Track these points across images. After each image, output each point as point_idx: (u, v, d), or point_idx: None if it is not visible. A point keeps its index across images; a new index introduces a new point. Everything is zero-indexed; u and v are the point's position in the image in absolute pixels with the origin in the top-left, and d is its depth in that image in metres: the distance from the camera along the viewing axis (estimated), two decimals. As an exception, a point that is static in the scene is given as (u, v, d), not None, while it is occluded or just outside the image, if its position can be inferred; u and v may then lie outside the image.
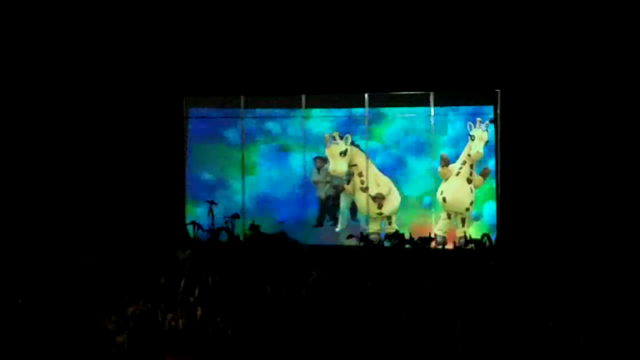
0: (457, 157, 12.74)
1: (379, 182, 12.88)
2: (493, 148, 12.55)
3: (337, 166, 12.80)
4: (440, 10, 11.89)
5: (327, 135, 12.91)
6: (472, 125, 12.57)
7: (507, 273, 8.79)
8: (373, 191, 12.80)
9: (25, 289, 8.44)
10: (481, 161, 12.69)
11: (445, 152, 12.76)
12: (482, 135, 12.54)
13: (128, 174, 12.55)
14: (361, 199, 12.89)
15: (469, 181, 12.62)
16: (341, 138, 12.86)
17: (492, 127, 12.53)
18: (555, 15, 11.48)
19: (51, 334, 7.95)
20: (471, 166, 12.63)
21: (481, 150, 12.53)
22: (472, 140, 12.56)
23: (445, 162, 12.67)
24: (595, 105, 11.44)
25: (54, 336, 7.93)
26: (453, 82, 12.22)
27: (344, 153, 12.80)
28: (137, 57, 12.63)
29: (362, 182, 12.86)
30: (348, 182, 12.98)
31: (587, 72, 11.42)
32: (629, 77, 11.28)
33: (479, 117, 12.60)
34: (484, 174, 12.63)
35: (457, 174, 12.64)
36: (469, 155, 12.60)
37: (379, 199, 12.78)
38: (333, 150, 12.83)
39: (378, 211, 12.81)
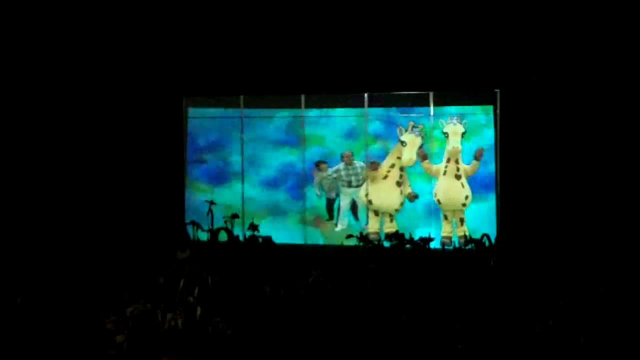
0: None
1: (406, 182, 12.93)
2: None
3: (414, 155, 12.75)
4: (440, 10, 11.89)
5: (411, 123, 12.84)
6: (444, 122, 12.61)
7: (507, 273, 8.79)
8: (407, 189, 12.85)
9: (25, 289, 8.45)
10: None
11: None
12: (455, 130, 12.57)
13: (128, 174, 12.55)
14: (383, 191, 12.89)
15: (458, 177, 12.63)
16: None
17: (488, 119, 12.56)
18: (554, 16, 11.48)
19: (51, 334, 7.95)
20: (456, 161, 12.63)
21: (457, 145, 12.56)
22: (447, 137, 12.60)
23: (423, 157, 12.71)
24: (595, 105, 11.43)
25: (54, 336, 7.94)
26: (453, 82, 12.21)
27: (420, 146, 12.79)
28: (137, 57, 12.63)
29: (400, 177, 12.87)
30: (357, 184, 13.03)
31: (587, 72, 11.42)
32: (629, 77, 11.27)
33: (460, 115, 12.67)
34: (478, 156, 12.59)
35: (444, 172, 12.68)
36: (449, 151, 12.62)
37: (415, 197, 12.82)
38: (415, 140, 12.76)
39: (397, 208, 12.86)
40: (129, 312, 7.74)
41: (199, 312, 7.76)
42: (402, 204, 12.85)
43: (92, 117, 12.63)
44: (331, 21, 12.19)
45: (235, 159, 13.26)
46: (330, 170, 13.06)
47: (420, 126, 12.71)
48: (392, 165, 12.85)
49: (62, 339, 7.92)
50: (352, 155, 13.02)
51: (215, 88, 12.87)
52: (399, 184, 12.89)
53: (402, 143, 12.73)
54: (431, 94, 12.62)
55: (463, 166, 12.62)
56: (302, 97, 12.95)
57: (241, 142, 13.27)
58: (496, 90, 12.22)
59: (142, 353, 7.56)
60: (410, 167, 12.81)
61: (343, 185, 13.06)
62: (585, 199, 11.35)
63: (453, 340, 7.55)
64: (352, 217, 13.17)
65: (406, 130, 12.72)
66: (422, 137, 12.74)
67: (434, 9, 11.90)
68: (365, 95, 12.80)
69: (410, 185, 12.87)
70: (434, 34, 11.94)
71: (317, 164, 13.11)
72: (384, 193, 12.93)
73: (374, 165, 12.89)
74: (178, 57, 12.62)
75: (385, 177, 12.89)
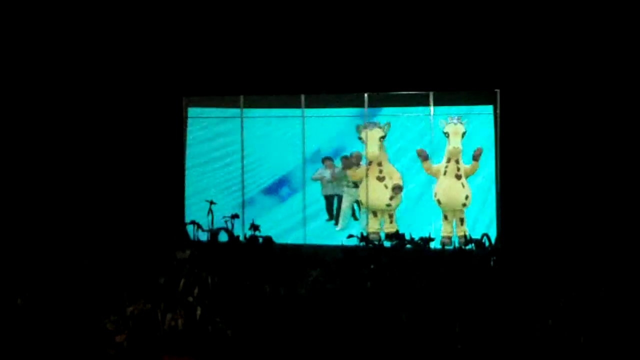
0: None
1: (392, 176, 12.94)
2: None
3: (373, 149, 12.86)
4: (440, 10, 11.88)
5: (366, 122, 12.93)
6: (444, 122, 12.61)
7: (507, 273, 8.79)
8: (389, 183, 12.86)
9: (25, 289, 8.45)
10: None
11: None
12: (456, 130, 12.57)
13: (128, 174, 12.56)
14: (371, 189, 12.90)
15: (458, 177, 12.63)
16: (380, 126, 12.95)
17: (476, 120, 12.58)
18: (554, 15, 11.47)
19: (51, 334, 7.95)
20: (456, 161, 12.64)
21: (458, 145, 12.55)
22: (447, 137, 12.61)
23: (424, 157, 12.72)
24: (596, 105, 11.42)
25: (54, 336, 7.94)
26: (453, 82, 12.21)
27: (382, 138, 12.85)
28: (137, 57, 12.64)
29: (380, 172, 12.90)
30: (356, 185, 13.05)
31: (587, 72, 11.41)
32: (629, 77, 11.27)
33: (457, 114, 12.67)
34: (476, 156, 12.60)
35: (445, 172, 12.68)
36: (449, 151, 12.64)
37: (397, 189, 12.83)
38: (374, 133, 12.86)
39: (387, 202, 12.87)
40: (129, 312, 7.74)
41: (199, 312, 7.76)
42: (391, 198, 12.85)
43: (92, 117, 12.64)
44: (331, 21, 12.19)
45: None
46: (336, 170, 13.09)
47: (377, 122, 12.80)
48: (370, 163, 12.86)
49: (62, 339, 7.92)
50: (361, 157, 13.06)
51: (215, 88, 12.88)
52: (380, 179, 12.90)
53: (360, 140, 12.76)
54: (431, 94, 12.63)
55: (463, 166, 12.62)
56: (302, 97, 12.97)
57: (241, 142, 13.28)
58: (496, 90, 12.22)
59: (142, 353, 7.56)
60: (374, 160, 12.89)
61: (348, 186, 13.10)
62: (585, 199, 11.34)
63: (453, 340, 7.54)
64: (351, 218, 13.18)
65: (364, 128, 12.74)
66: (384, 129, 12.78)
67: (434, 8, 11.90)
68: (366, 95, 12.81)
69: (401, 178, 12.85)
70: (434, 33, 11.94)
71: (324, 160, 13.11)
72: (369, 191, 12.95)
73: (422, 156, 12.85)
74: (178, 57, 12.63)
75: (367, 175, 12.92)
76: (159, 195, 12.55)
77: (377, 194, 12.91)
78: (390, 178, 12.93)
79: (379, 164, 12.93)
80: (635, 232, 10.70)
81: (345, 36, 12.21)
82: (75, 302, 8.37)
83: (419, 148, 12.80)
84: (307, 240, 13.02)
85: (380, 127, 12.89)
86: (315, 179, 13.16)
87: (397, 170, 12.95)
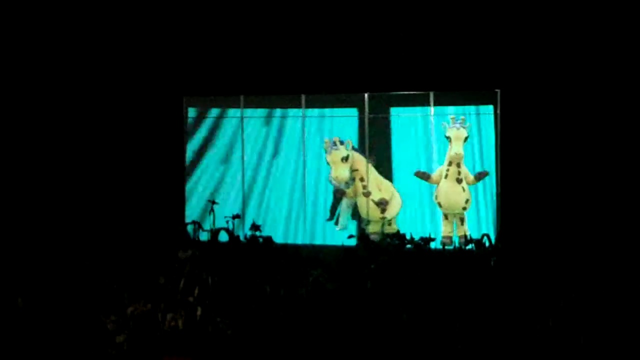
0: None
1: (380, 187, 12.83)
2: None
3: (340, 172, 12.74)
4: (440, 9, 11.88)
5: (327, 141, 12.86)
6: (447, 125, 12.53)
7: (507, 273, 8.80)
8: (376, 196, 12.76)
9: (25, 289, 8.46)
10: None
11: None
12: (458, 134, 12.50)
13: (127, 174, 12.55)
14: (363, 204, 12.87)
15: (459, 181, 12.56)
16: (342, 143, 12.80)
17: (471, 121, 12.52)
18: (555, 15, 11.47)
19: (51, 334, 7.96)
20: (457, 165, 12.55)
21: (460, 151, 12.51)
22: (449, 141, 12.54)
23: (425, 176, 12.65)
24: (596, 106, 11.42)
25: (54, 336, 7.94)
26: (453, 82, 12.20)
27: (345, 159, 12.75)
28: (137, 57, 12.64)
29: (364, 187, 12.82)
30: (348, 187, 12.95)
31: (587, 72, 11.41)
32: (630, 77, 11.26)
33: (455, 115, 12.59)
34: (480, 177, 12.53)
35: (445, 176, 12.59)
36: (450, 156, 12.55)
37: (382, 204, 12.74)
38: (334, 156, 12.79)
39: (381, 216, 12.78)
40: (129, 312, 7.75)
41: (199, 312, 7.77)
42: (383, 211, 12.75)
43: (92, 117, 12.64)
44: (331, 21, 12.19)
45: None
46: None
47: (326, 140, 12.74)
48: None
49: (62, 339, 7.92)
50: None
51: (215, 88, 12.87)
52: (365, 194, 12.81)
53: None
54: (431, 94, 12.62)
55: (465, 170, 12.58)
56: (303, 97, 12.96)
57: (242, 142, 13.28)
58: (496, 90, 12.21)
59: (142, 353, 7.56)
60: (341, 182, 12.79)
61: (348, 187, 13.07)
62: (586, 200, 11.34)
63: (453, 340, 7.55)
64: (350, 218, 13.16)
65: (327, 152, 12.74)
66: (345, 148, 12.66)
67: (434, 8, 11.89)
68: (366, 95, 12.80)
69: (390, 187, 12.72)
70: (434, 33, 11.94)
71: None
72: (360, 207, 12.89)
73: (422, 176, 12.71)
74: (178, 57, 12.62)
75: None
76: (159, 195, 12.55)
77: (367, 209, 12.83)
78: (379, 190, 12.84)
79: (361, 179, 12.84)
80: (635, 232, 10.70)
81: (345, 36, 12.20)
82: (75, 302, 8.37)
83: (416, 170, 12.69)
84: (307, 240, 13.02)
85: (340, 147, 12.73)
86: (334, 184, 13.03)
87: (396, 172, 12.90)
